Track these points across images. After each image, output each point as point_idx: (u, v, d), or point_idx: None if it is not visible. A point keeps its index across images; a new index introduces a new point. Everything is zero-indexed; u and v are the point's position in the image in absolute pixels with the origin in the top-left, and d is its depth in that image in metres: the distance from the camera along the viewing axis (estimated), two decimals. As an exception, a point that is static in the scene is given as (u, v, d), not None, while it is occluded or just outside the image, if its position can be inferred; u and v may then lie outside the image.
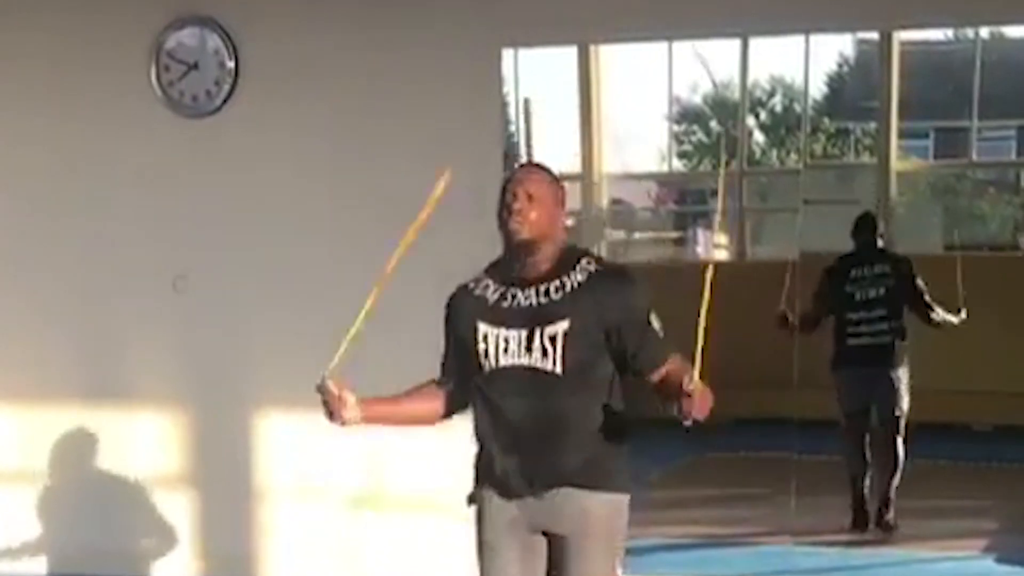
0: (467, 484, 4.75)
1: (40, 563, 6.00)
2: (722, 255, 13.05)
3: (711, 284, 3.19)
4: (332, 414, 3.46)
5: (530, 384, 3.46)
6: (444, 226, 5.03)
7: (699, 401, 3.20)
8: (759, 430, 8.90)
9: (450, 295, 3.72)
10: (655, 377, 3.44)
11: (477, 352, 3.54)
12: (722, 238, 13.30)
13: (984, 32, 12.91)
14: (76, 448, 5.99)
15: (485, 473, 3.64)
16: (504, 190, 3.54)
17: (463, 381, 3.65)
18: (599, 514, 3.52)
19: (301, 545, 5.82)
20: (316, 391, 3.44)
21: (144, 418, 5.97)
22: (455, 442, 5.15)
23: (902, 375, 7.03)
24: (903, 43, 11.77)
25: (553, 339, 3.44)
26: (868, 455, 7.09)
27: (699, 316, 3.20)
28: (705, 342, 3.20)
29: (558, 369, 3.44)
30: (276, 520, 5.86)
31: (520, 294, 3.52)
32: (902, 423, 7.04)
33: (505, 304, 3.53)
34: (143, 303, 5.93)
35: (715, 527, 7.32)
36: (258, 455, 5.87)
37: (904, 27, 8.05)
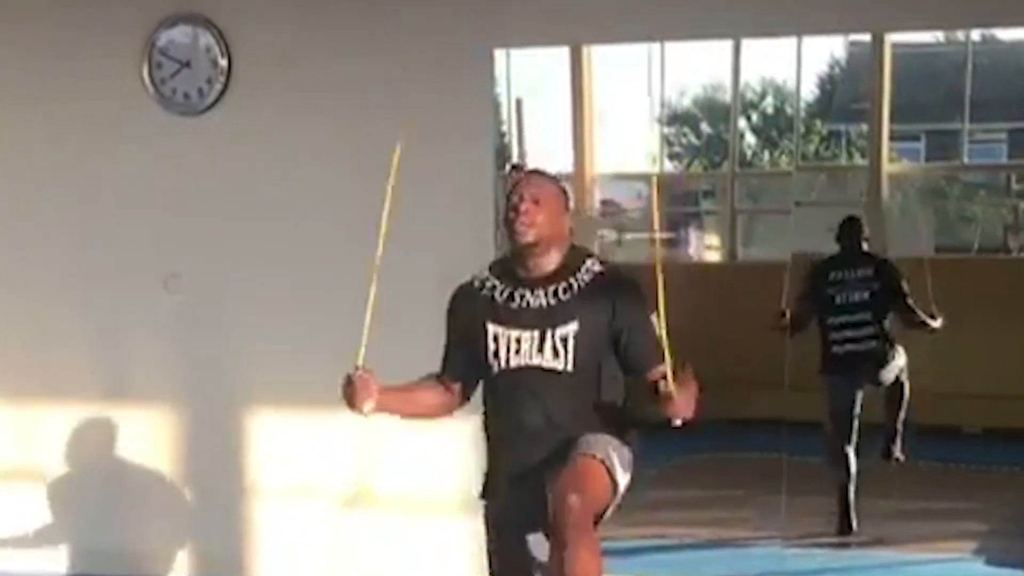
0: (459, 484, 4.75)
1: (30, 561, 5.99)
2: (714, 257, 13.06)
3: (663, 284, 3.28)
4: (354, 404, 3.48)
5: (541, 384, 3.51)
6: (437, 225, 5.04)
7: (680, 402, 3.25)
8: (750, 431, 8.89)
9: (454, 292, 3.74)
10: (649, 377, 3.47)
11: (486, 352, 3.57)
12: (714, 239, 13.32)
13: (975, 35, 12.91)
14: (67, 446, 5.98)
15: (494, 476, 3.68)
16: (510, 193, 3.61)
17: (467, 377, 3.69)
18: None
19: (293, 544, 5.82)
20: (345, 383, 3.47)
21: (136, 416, 5.96)
22: (447, 441, 5.17)
23: (892, 374, 7.10)
24: (894, 45, 11.76)
25: (564, 340, 3.50)
26: (852, 462, 7.05)
27: (664, 315, 3.30)
28: (670, 340, 3.28)
29: (569, 368, 3.49)
30: (268, 519, 5.85)
31: (529, 295, 3.57)
32: (906, 386, 7.20)
33: (514, 305, 3.57)
34: (135, 301, 5.93)
35: (704, 528, 7.32)
36: (250, 454, 5.87)
37: (895, 30, 8.04)
